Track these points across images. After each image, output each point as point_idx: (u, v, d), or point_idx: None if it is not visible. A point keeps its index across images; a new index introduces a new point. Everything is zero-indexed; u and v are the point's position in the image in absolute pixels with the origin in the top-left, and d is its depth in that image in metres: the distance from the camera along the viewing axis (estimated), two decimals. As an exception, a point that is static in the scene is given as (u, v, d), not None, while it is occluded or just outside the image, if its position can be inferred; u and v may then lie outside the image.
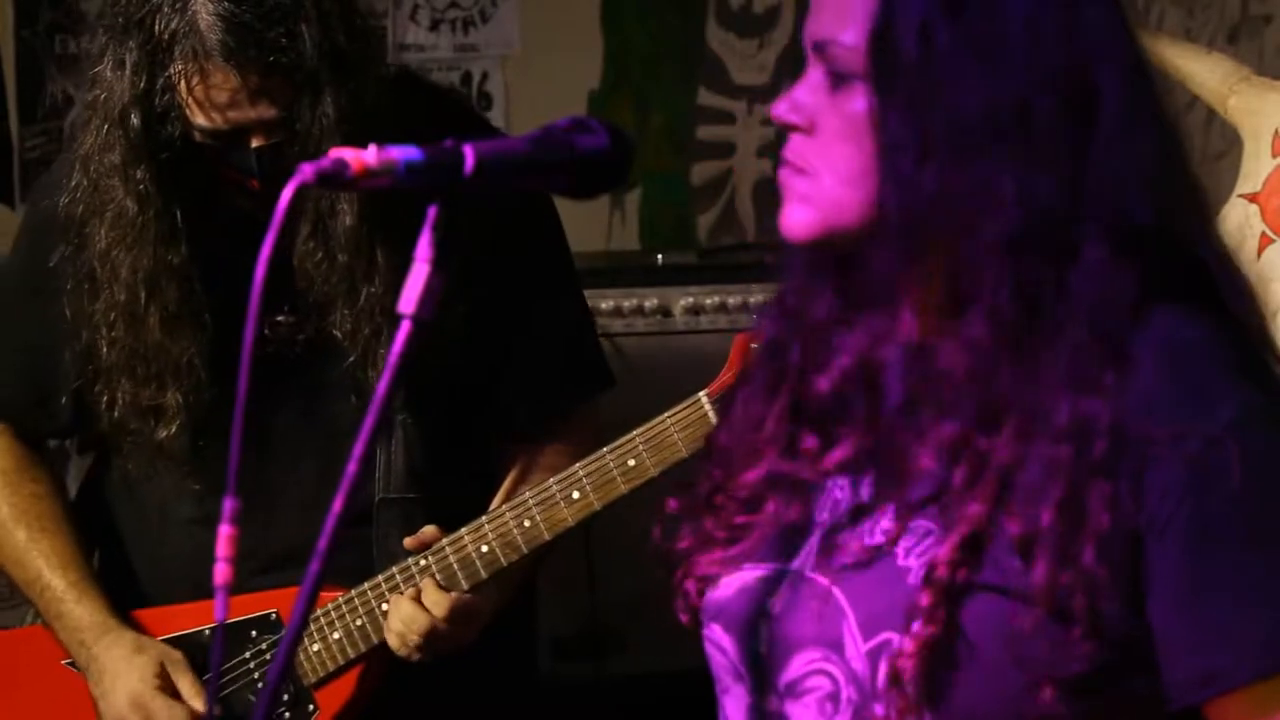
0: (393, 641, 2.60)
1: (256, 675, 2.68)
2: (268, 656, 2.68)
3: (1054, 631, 1.58)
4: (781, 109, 1.69)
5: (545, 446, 2.70)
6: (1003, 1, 1.61)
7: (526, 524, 2.59)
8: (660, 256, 4.10)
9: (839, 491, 1.73)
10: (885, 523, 1.67)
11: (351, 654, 2.65)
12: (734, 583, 1.76)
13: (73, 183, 2.59)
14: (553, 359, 2.72)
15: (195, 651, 2.68)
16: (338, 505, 1.57)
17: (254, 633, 2.67)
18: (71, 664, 2.73)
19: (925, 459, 1.65)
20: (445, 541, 2.60)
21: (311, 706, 2.68)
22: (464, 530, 2.60)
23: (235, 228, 2.43)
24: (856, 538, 1.68)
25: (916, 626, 1.60)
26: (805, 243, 1.69)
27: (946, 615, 1.60)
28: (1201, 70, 2.75)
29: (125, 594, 2.74)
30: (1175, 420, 1.58)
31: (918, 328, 1.67)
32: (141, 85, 2.47)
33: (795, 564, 1.72)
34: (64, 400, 2.72)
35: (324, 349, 2.61)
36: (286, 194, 1.47)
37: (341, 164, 1.48)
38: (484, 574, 2.60)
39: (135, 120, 2.48)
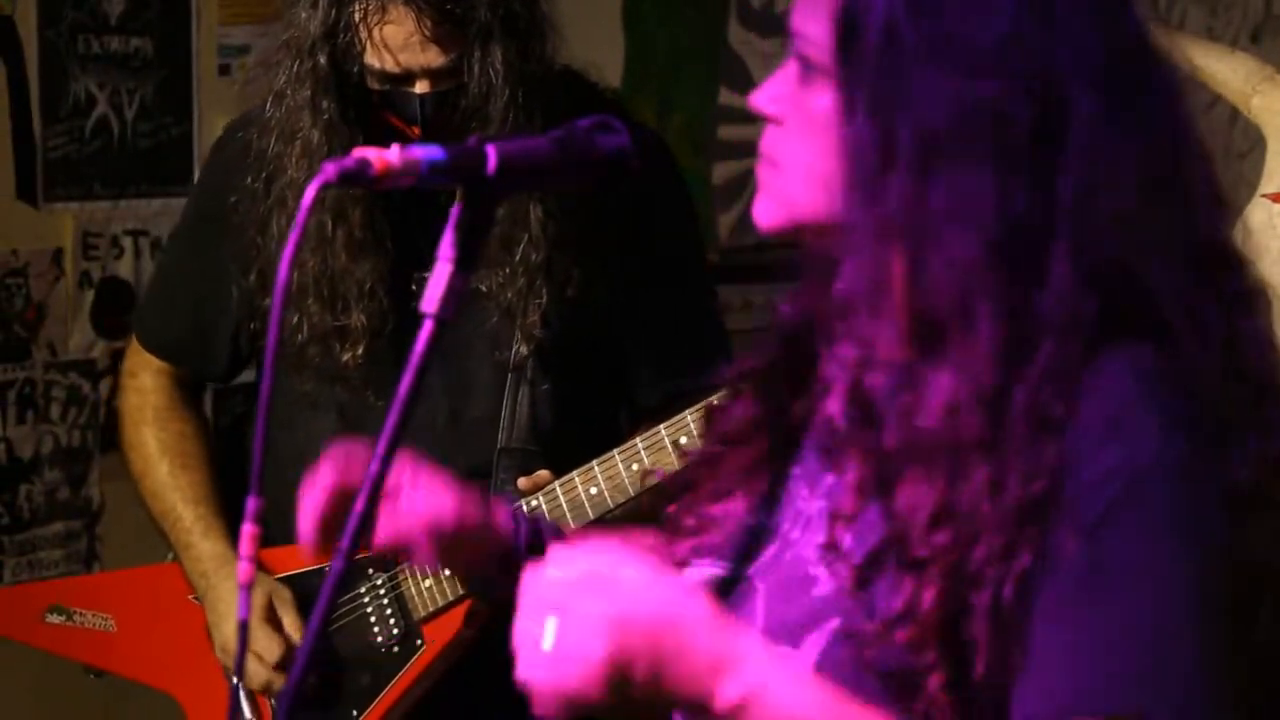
0: None
1: (370, 610, 2.81)
2: (382, 593, 2.81)
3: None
4: (755, 99, 1.67)
5: (666, 420, 2.76)
6: (978, 6, 1.55)
7: (634, 467, 2.66)
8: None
9: (801, 501, 1.70)
10: (819, 537, 1.63)
11: (461, 590, 2.75)
12: (691, 578, 1.74)
13: (266, 116, 2.72)
14: (677, 337, 2.82)
15: (308, 589, 2.82)
16: (359, 506, 1.55)
17: (370, 570, 2.81)
18: (197, 598, 2.89)
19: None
20: (557, 483, 2.69)
21: (419, 641, 2.81)
22: (575, 473, 2.68)
23: None
24: (802, 548, 1.65)
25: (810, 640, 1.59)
26: (772, 234, 1.67)
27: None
28: (1224, 69, 2.74)
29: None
30: (1097, 460, 1.51)
31: (898, 347, 1.59)
32: (329, 21, 2.60)
33: (750, 570, 1.70)
34: (224, 343, 2.87)
35: (469, 303, 2.71)
36: (310, 193, 1.47)
37: (364, 163, 1.48)
38: (591, 515, 2.67)
39: (323, 57, 2.62)
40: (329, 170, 1.47)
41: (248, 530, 1.53)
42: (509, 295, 2.68)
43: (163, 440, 2.93)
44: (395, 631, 2.80)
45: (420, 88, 2.60)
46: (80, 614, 3.02)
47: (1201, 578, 1.51)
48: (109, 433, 4.05)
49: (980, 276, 1.53)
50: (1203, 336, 1.57)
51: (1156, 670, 1.49)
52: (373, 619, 2.81)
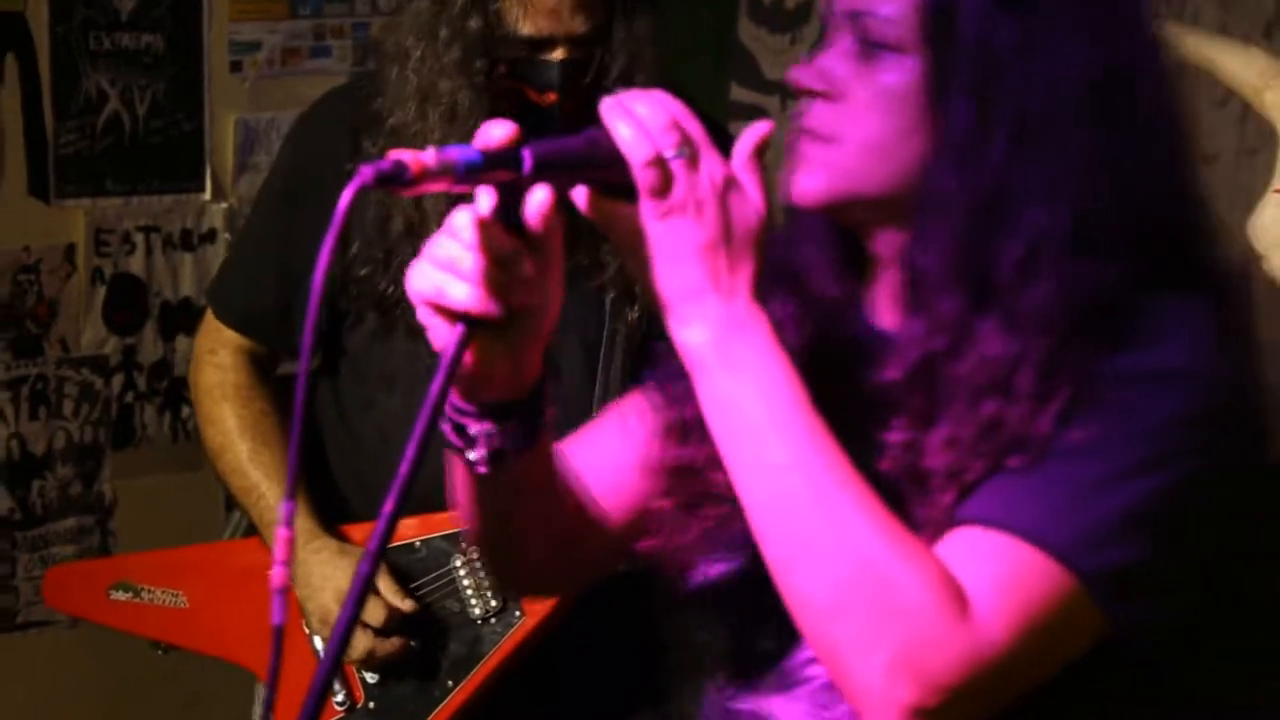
0: None
1: (467, 583, 2.87)
2: (479, 565, 2.85)
3: None
4: (805, 75, 1.69)
5: None
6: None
7: None
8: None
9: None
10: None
11: None
12: (719, 565, 1.77)
13: (393, 82, 2.77)
14: None
15: (399, 562, 2.87)
16: (389, 506, 1.54)
17: (464, 543, 2.85)
18: None
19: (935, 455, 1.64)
20: None
21: (519, 613, 2.85)
22: None
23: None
24: None
25: None
26: (815, 208, 1.69)
27: None
28: (1237, 65, 2.75)
29: (332, 512, 2.94)
30: (1130, 360, 1.60)
31: (958, 307, 1.64)
32: None
33: None
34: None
35: (577, 275, 2.75)
36: (347, 195, 1.47)
37: (400, 165, 1.48)
38: None
39: (475, 21, 2.69)
40: (366, 173, 1.47)
41: (282, 535, 1.50)
42: (617, 268, 2.76)
43: (244, 418, 2.96)
44: (494, 604, 2.85)
45: (558, 54, 2.68)
46: (149, 590, 3.04)
47: (1174, 476, 1.58)
48: (120, 428, 4.06)
49: (1053, 245, 1.60)
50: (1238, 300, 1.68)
51: (1075, 520, 1.56)
52: (469, 592, 2.86)
